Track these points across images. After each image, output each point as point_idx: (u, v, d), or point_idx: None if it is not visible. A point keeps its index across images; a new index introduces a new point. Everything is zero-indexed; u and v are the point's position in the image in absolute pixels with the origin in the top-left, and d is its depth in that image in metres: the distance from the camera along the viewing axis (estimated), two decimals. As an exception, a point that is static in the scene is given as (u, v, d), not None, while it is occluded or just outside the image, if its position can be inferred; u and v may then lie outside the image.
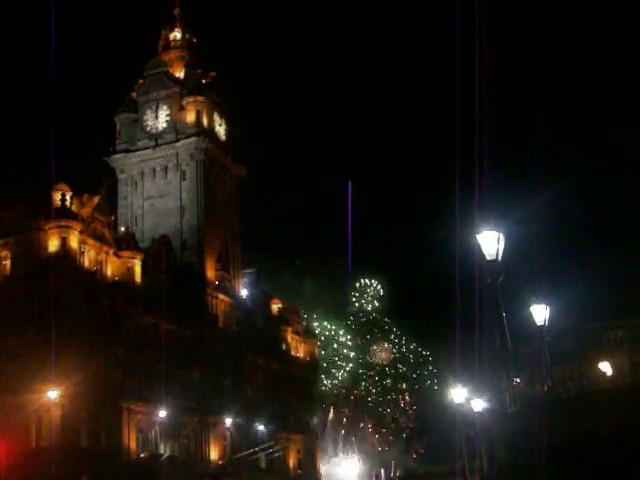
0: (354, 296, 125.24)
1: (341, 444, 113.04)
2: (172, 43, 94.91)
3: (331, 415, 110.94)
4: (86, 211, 67.63)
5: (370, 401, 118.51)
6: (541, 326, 30.36)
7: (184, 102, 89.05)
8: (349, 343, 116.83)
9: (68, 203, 65.80)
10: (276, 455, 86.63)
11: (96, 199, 69.50)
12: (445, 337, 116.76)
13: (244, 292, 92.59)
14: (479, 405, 46.29)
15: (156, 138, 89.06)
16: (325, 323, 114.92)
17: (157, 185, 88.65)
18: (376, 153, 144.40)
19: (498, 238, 21.90)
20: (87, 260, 66.73)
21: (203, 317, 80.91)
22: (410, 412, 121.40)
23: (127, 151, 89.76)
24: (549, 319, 31.02)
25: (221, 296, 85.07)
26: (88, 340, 63.49)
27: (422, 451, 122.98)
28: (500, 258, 21.99)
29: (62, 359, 59.90)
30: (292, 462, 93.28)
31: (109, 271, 69.03)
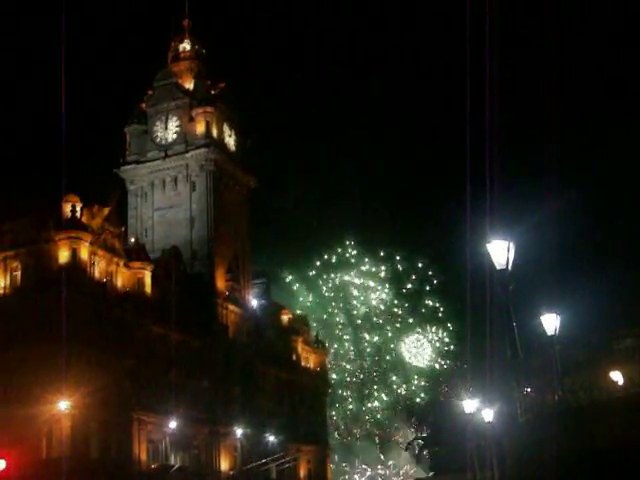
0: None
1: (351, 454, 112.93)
2: (181, 54, 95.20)
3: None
4: (96, 222, 67.74)
5: (379, 409, 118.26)
6: (552, 335, 30.10)
7: (194, 113, 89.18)
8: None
9: (78, 214, 65.98)
10: (287, 466, 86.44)
11: (106, 210, 69.56)
12: (456, 347, 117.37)
13: (254, 302, 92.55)
14: (490, 415, 46.11)
15: (166, 149, 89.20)
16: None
17: (167, 196, 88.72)
18: (385, 163, 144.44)
19: (508, 247, 21.77)
20: (97, 271, 66.87)
21: (213, 328, 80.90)
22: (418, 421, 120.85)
23: (137, 162, 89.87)
24: (560, 328, 30.78)
25: (231, 307, 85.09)
26: (98, 351, 63.60)
27: (432, 461, 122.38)
28: (510, 267, 21.86)
29: (72, 370, 60.04)
30: (303, 473, 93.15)
31: (119, 282, 69.15)
